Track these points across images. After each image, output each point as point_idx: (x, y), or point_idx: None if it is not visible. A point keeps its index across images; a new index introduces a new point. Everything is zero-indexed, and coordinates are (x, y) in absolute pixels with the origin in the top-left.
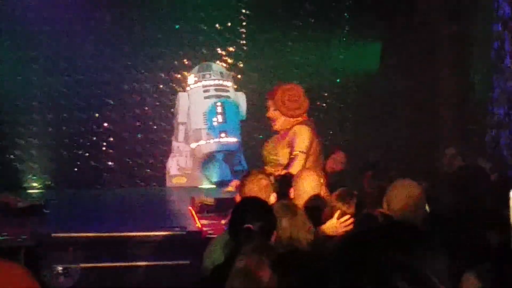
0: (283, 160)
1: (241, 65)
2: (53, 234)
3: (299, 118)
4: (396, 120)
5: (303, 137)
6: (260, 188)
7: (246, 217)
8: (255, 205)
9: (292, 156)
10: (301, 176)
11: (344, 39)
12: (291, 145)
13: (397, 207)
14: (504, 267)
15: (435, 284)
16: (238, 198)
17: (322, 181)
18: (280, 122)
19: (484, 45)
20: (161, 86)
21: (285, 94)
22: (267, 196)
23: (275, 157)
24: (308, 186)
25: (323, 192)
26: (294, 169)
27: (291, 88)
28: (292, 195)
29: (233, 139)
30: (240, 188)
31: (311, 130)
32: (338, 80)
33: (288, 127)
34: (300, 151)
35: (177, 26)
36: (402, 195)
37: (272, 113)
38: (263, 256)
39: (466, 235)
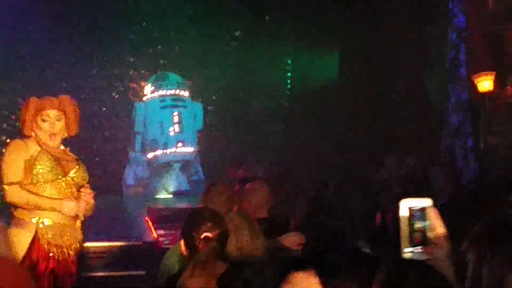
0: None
1: (198, 75)
2: None
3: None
4: (352, 128)
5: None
6: (228, 198)
7: (203, 226)
8: (211, 214)
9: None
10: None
11: (300, 48)
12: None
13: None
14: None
15: None
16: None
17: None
18: (59, 137)
19: (440, 54)
20: (117, 96)
21: (72, 102)
22: (232, 206)
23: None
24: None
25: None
26: None
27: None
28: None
29: (189, 149)
30: (206, 198)
31: None
32: (288, 87)
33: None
34: None
35: (133, 36)
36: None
37: (58, 124)
38: (196, 270)
39: None
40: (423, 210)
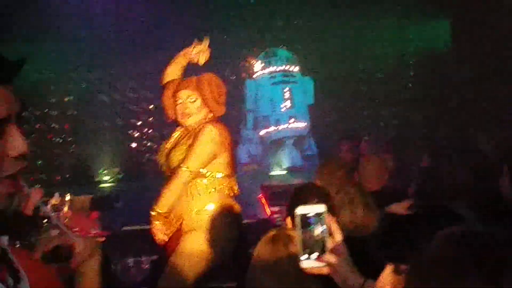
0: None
1: (308, 50)
2: (123, 228)
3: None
4: (465, 102)
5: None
6: (346, 172)
7: (309, 203)
8: (317, 190)
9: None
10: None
11: (412, 18)
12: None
13: None
14: None
15: None
16: (318, 183)
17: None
18: (198, 117)
19: None
20: (229, 74)
21: (213, 81)
22: (349, 180)
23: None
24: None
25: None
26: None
27: (216, 77)
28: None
29: (302, 124)
30: (323, 172)
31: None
32: (411, 62)
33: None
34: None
35: (241, 12)
36: None
37: (192, 106)
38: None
39: None
40: (318, 216)
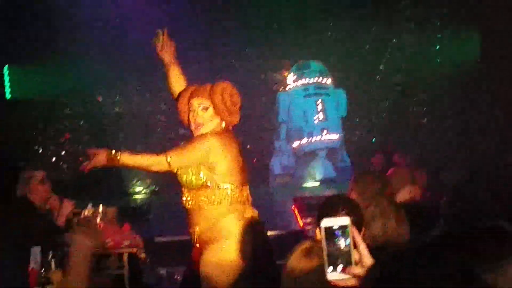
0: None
1: (340, 62)
2: (156, 239)
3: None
4: (496, 114)
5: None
6: (381, 185)
7: (337, 215)
8: (346, 201)
9: None
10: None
11: (442, 29)
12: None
13: None
14: None
15: None
16: (353, 195)
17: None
18: (210, 126)
19: None
20: (261, 86)
21: (226, 90)
22: (383, 193)
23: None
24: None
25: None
26: None
27: (231, 86)
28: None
29: (334, 136)
30: (357, 185)
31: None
32: (442, 74)
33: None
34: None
35: (275, 26)
36: None
37: (204, 115)
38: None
39: None
40: (342, 228)
